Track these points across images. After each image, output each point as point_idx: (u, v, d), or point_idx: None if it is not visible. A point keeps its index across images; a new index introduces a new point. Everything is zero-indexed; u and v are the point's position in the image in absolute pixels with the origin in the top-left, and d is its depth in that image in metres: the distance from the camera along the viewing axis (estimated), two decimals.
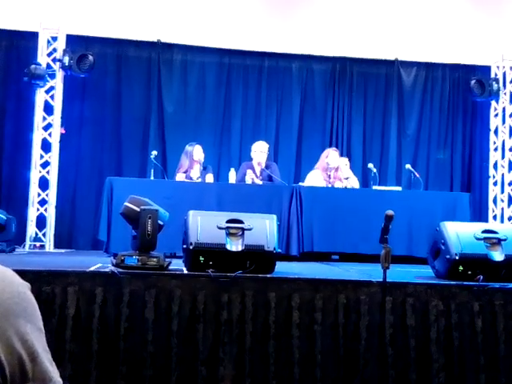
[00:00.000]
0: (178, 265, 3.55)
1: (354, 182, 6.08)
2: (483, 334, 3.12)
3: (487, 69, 7.47)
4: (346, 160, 6.42)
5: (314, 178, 6.05)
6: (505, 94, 7.35)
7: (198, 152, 6.06)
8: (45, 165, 6.55)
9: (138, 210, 3.43)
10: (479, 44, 7.39)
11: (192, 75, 7.32)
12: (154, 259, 3.32)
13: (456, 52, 7.49)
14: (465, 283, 3.28)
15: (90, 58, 6.53)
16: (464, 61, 7.57)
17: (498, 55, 7.34)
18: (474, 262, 3.47)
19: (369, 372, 3.05)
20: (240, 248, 3.36)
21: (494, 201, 7.34)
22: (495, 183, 7.36)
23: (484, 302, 3.18)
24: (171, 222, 3.79)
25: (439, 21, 7.44)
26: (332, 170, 6.05)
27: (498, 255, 3.50)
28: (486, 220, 7.13)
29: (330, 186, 5.95)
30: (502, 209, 7.28)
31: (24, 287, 0.76)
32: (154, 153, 6.15)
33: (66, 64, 6.50)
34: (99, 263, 3.64)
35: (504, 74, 7.38)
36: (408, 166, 6.66)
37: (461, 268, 3.47)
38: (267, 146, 6.26)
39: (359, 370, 3.05)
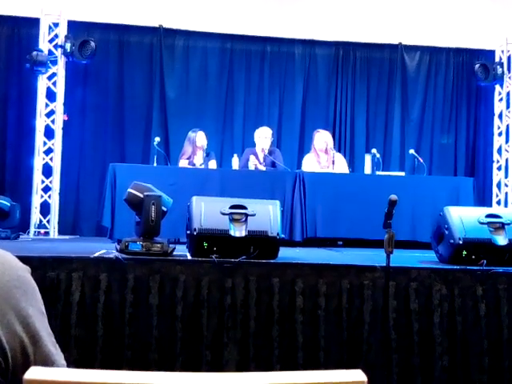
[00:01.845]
0: (181, 251, 3.56)
1: (340, 168, 6.04)
2: (487, 318, 3.13)
3: (491, 53, 7.41)
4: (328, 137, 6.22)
5: (308, 162, 6.08)
6: (509, 78, 7.30)
7: (201, 138, 6.05)
8: (48, 152, 6.55)
9: (141, 196, 3.43)
10: (483, 28, 7.32)
11: (194, 61, 7.29)
12: (158, 245, 3.33)
13: (460, 36, 7.42)
14: (468, 267, 3.28)
15: (92, 44, 6.51)
16: (468, 45, 7.51)
17: (503, 39, 7.27)
18: (478, 246, 3.47)
19: (372, 356, 3.07)
20: (243, 234, 3.37)
21: (498, 185, 7.32)
22: (499, 168, 7.33)
23: (487, 286, 3.18)
24: (175, 208, 3.79)
25: (443, 4, 7.37)
26: (322, 151, 6.06)
27: (501, 239, 3.50)
28: (489, 205, 7.11)
29: (323, 169, 5.95)
30: (506, 193, 7.26)
31: (24, 271, 0.76)
32: (157, 139, 6.14)
33: (68, 50, 6.48)
34: (103, 249, 3.65)
35: (508, 58, 7.32)
36: (412, 151, 6.64)
37: (464, 252, 3.47)
38: (271, 131, 6.25)
39: (363, 354, 3.07)
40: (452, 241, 3.50)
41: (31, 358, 0.72)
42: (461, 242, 3.46)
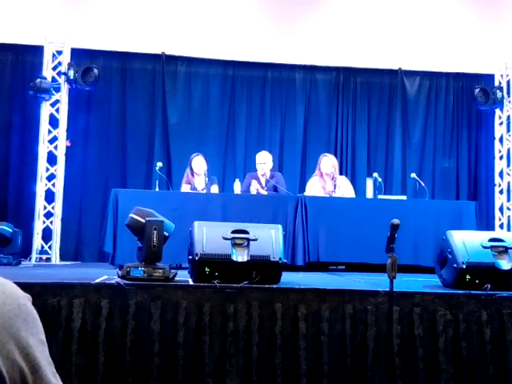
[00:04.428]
0: (183, 276, 3.54)
1: (346, 191, 6.03)
2: (492, 343, 3.09)
3: (491, 77, 7.47)
4: (335, 162, 6.22)
5: (312, 186, 6.06)
6: (509, 102, 7.35)
7: (198, 163, 6.04)
8: (51, 177, 6.57)
9: (143, 221, 3.43)
10: (482, 53, 7.40)
11: (196, 87, 7.36)
12: (160, 270, 3.32)
13: (459, 61, 7.50)
14: (472, 292, 3.26)
15: (95, 71, 6.58)
16: (467, 69, 7.58)
17: (502, 63, 7.34)
18: (482, 270, 3.45)
19: (377, 383, 3.03)
20: (245, 258, 3.36)
21: (501, 209, 7.30)
22: (501, 191, 7.33)
23: (492, 310, 3.15)
24: (176, 233, 3.79)
25: (442, 30, 7.46)
26: (329, 176, 6.04)
27: (505, 263, 3.48)
28: (492, 228, 7.09)
29: (327, 194, 5.93)
30: (509, 217, 7.24)
31: (25, 299, 0.76)
32: (159, 164, 6.16)
33: (71, 77, 6.55)
34: (105, 275, 3.64)
35: (508, 82, 7.38)
36: (413, 175, 6.64)
37: (468, 277, 3.44)
38: (269, 156, 6.25)
39: (367, 381, 3.03)
40: (455, 265, 3.48)
41: None
42: (464, 267, 3.44)
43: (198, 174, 6.05)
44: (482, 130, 7.68)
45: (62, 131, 6.63)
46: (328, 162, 6.08)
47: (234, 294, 3.08)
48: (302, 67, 7.50)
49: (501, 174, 7.35)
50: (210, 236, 3.42)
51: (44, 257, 6.38)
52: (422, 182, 6.47)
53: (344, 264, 5.58)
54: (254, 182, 5.97)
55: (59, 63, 6.68)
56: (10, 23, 6.85)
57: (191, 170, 6.05)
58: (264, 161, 6.13)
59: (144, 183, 6.99)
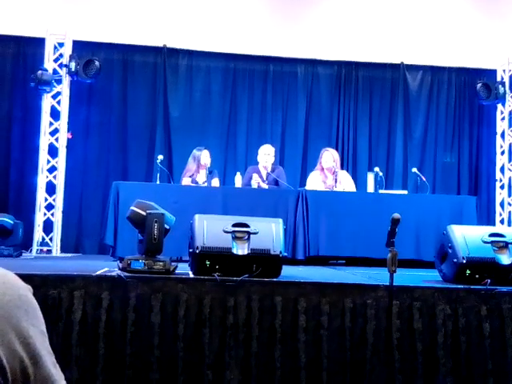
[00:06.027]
0: (184, 269, 3.55)
1: (347, 186, 6.03)
2: (491, 338, 3.10)
3: (493, 72, 7.45)
4: (337, 156, 6.21)
5: (313, 180, 6.06)
6: (511, 97, 7.33)
7: (205, 157, 6.06)
8: (52, 170, 6.57)
9: (144, 214, 3.43)
10: (485, 47, 7.37)
11: (198, 80, 7.35)
12: (161, 263, 3.32)
13: (462, 55, 7.48)
14: (472, 287, 3.26)
15: (97, 63, 6.57)
16: (470, 64, 7.56)
17: (504, 58, 7.32)
18: (482, 265, 3.45)
19: (375, 376, 3.04)
20: (246, 252, 3.36)
21: (501, 204, 7.30)
22: (502, 186, 7.32)
23: (492, 305, 3.16)
24: (177, 226, 3.79)
25: (445, 24, 7.44)
26: (329, 170, 6.04)
27: (505, 259, 3.48)
28: (493, 224, 7.09)
29: (328, 188, 5.93)
30: (510, 212, 7.24)
31: (25, 290, 0.76)
32: (160, 157, 6.16)
33: (73, 69, 6.54)
34: (106, 267, 3.64)
35: (510, 78, 7.35)
36: (414, 170, 6.64)
37: (468, 272, 3.45)
38: (273, 149, 6.26)
39: (366, 375, 3.04)
40: (455, 260, 3.49)
41: (31, 378, 0.71)
42: (464, 261, 3.44)
43: (203, 168, 6.06)
44: (484, 124, 7.66)
45: (63, 123, 6.63)
46: (329, 157, 6.08)
47: (234, 287, 3.08)
48: (304, 61, 7.48)
49: (502, 169, 7.34)
50: (210, 229, 3.42)
51: (45, 249, 6.40)
52: (423, 177, 6.47)
53: (344, 258, 5.58)
54: (255, 175, 5.97)
55: (61, 55, 6.66)
56: (11, 15, 6.83)
57: (199, 163, 6.03)
58: (268, 152, 6.14)
59: (145, 176, 6.99)
